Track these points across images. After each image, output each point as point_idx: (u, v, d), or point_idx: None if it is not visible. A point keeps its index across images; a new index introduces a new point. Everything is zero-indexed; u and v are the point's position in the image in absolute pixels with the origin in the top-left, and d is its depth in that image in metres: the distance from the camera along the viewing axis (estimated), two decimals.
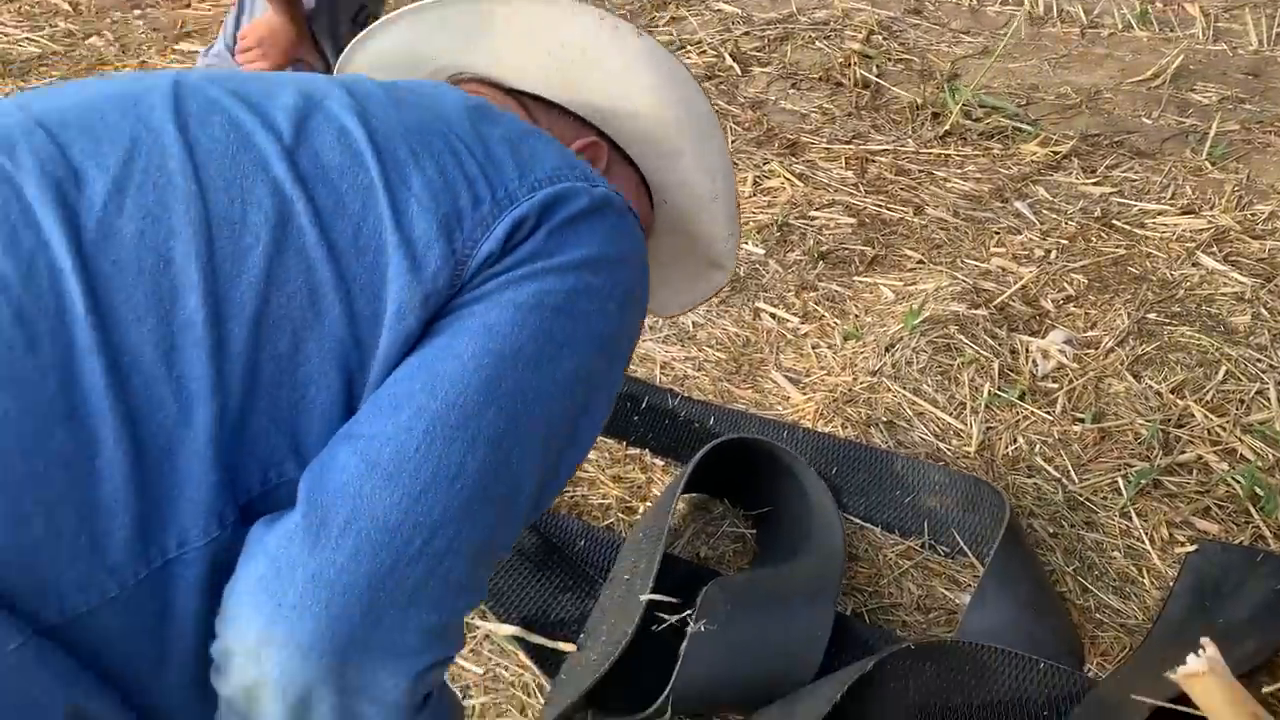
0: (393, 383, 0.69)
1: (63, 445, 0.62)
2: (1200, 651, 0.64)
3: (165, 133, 0.71)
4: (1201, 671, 0.62)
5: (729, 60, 3.67)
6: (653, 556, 1.63)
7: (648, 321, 2.50)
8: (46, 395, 0.62)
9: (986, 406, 2.20)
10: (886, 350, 2.36)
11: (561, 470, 0.78)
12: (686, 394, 2.28)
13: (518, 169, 0.75)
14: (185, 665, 0.68)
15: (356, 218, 0.70)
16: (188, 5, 4.34)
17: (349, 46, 1.07)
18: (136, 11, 4.29)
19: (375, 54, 1.04)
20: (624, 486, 2.03)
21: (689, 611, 1.57)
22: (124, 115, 0.72)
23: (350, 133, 0.74)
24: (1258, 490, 1.96)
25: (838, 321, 2.47)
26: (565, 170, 0.77)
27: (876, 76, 3.50)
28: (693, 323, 2.49)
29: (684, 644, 1.51)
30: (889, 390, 2.25)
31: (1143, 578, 1.86)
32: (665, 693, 1.51)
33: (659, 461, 2.10)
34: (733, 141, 3.19)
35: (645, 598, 1.56)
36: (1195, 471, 2.04)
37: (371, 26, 1.07)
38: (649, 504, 1.99)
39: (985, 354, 2.31)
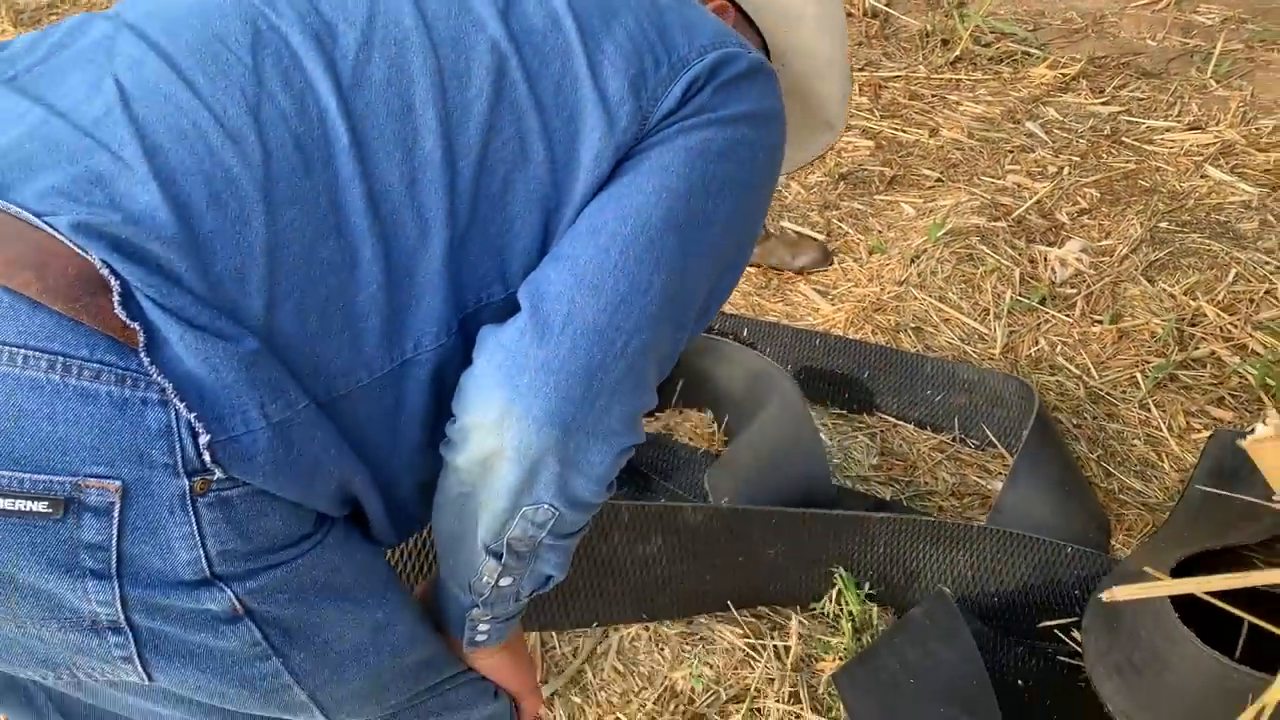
0: (589, 214, 0.79)
1: (331, 255, 0.73)
2: (1265, 420, 0.73)
3: None
4: (1269, 436, 0.72)
5: None
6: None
7: None
8: (320, 212, 0.72)
9: (1009, 312, 2.29)
10: (911, 262, 2.46)
11: (722, 289, 0.89)
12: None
13: (685, 35, 0.84)
14: (411, 449, 0.80)
15: (557, 75, 0.79)
16: None
17: None
18: None
19: None
20: None
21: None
22: None
23: (551, 1, 0.82)
24: (1269, 380, 2.06)
25: (862, 237, 2.56)
26: (724, 36, 0.86)
27: (885, 6, 3.55)
28: None
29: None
30: (915, 299, 2.34)
31: (1162, 462, 1.97)
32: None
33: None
34: None
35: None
36: (1209, 365, 2.15)
37: None
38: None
39: (1006, 263, 2.41)
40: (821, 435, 1.98)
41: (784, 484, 1.77)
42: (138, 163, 0.69)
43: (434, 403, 0.79)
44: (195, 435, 0.67)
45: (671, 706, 1.59)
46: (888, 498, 1.91)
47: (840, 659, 1.61)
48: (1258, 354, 2.15)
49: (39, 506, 0.65)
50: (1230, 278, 2.36)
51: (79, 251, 0.66)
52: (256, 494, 0.71)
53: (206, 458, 0.67)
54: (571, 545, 0.86)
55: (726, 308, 2.37)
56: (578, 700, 1.60)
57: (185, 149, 0.71)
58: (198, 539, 0.69)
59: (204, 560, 0.70)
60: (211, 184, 0.70)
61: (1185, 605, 1.40)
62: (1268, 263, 2.39)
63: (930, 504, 1.91)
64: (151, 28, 0.76)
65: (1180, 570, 1.51)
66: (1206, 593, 0.97)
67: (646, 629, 1.69)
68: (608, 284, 0.76)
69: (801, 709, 1.56)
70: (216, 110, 0.72)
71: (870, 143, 2.91)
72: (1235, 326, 2.24)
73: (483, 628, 0.90)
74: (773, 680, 1.59)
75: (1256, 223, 2.52)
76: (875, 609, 1.70)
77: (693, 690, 1.60)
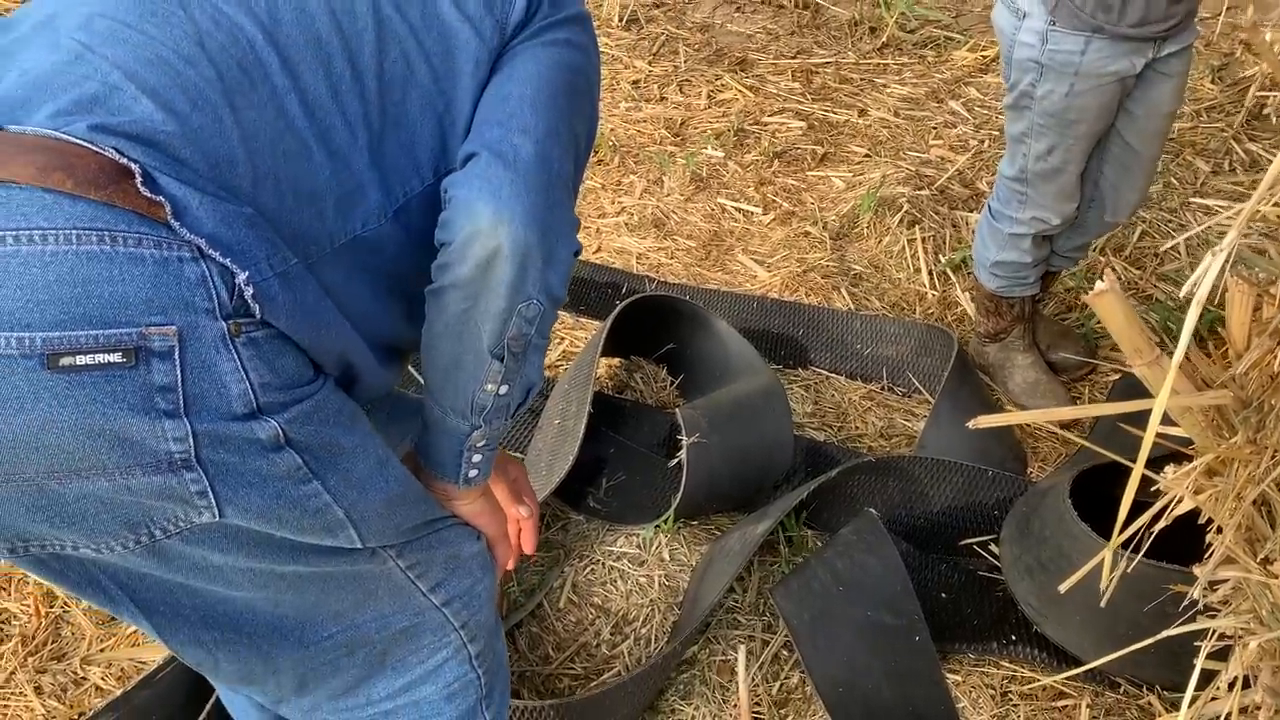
0: (493, 92, 0.99)
1: (289, 147, 0.89)
2: (1103, 277, 0.86)
3: None
4: (1105, 290, 0.84)
5: None
6: (583, 400, 1.85)
7: (623, 219, 2.71)
8: (271, 114, 0.88)
9: (935, 272, 2.44)
10: (841, 229, 2.60)
11: (590, 138, 1.11)
12: (662, 279, 2.49)
13: None
14: (370, 308, 0.97)
15: (420, 6, 0.99)
16: None
17: None
18: None
19: None
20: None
21: (694, 436, 1.79)
22: None
23: None
24: (1170, 325, 2.23)
25: (795, 208, 2.70)
26: None
27: None
28: (664, 217, 2.70)
29: (683, 454, 1.73)
30: (846, 262, 2.49)
31: (1075, 402, 2.12)
32: (677, 499, 1.74)
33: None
34: (685, 61, 3.40)
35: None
36: None
37: None
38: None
39: (931, 226, 2.56)
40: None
41: (749, 435, 1.86)
42: (124, 84, 0.83)
43: (376, 276, 0.97)
44: (228, 283, 0.81)
45: (625, 630, 1.71)
46: (822, 440, 2.04)
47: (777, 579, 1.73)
48: (1160, 302, 2.31)
49: (114, 358, 0.77)
50: (1137, 235, 2.54)
51: (98, 150, 0.79)
52: (275, 336, 0.85)
53: (249, 293, 0.81)
54: (545, 348, 1.04)
55: (670, 278, 2.50)
56: (536, 630, 1.71)
57: (156, 72, 0.85)
58: (243, 372, 0.83)
59: (251, 392, 0.83)
60: (187, 93, 0.85)
61: (1093, 516, 1.54)
62: (1170, 220, 2.57)
63: (860, 445, 2.05)
64: (85, 5, 0.89)
65: (1083, 483, 1.65)
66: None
67: (598, 563, 1.80)
68: (532, 126, 0.96)
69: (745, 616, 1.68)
70: (170, 45, 0.87)
71: (802, 123, 3.05)
72: (1142, 279, 2.41)
73: (476, 458, 1.06)
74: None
75: (1160, 185, 2.70)
76: (810, 534, 1.83)
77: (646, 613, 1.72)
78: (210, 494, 0.84)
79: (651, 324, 2.16)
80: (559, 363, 2.27)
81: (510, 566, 1.22)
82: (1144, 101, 1.83)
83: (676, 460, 1.82)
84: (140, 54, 0.85)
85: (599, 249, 2.62)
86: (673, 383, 2.16)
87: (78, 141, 0.79)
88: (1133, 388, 2.02)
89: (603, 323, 2.07)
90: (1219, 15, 3.38)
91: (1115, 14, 1.68)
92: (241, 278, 0.81)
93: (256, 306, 0.82)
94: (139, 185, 0.79)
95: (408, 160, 0.97)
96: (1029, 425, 2.06)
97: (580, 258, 2.55)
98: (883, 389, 2.19)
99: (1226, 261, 0.87)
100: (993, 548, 1.78)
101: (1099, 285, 0.87)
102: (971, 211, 2.63)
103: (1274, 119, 2.92)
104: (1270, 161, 2.69)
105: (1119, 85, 1.77)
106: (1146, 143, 1.88)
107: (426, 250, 0.97)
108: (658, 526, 1.82)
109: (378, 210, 0.95)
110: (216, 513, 0.86)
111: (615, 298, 2.41)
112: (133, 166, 0.79)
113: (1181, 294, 1.01)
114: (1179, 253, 2.46)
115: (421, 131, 0.97)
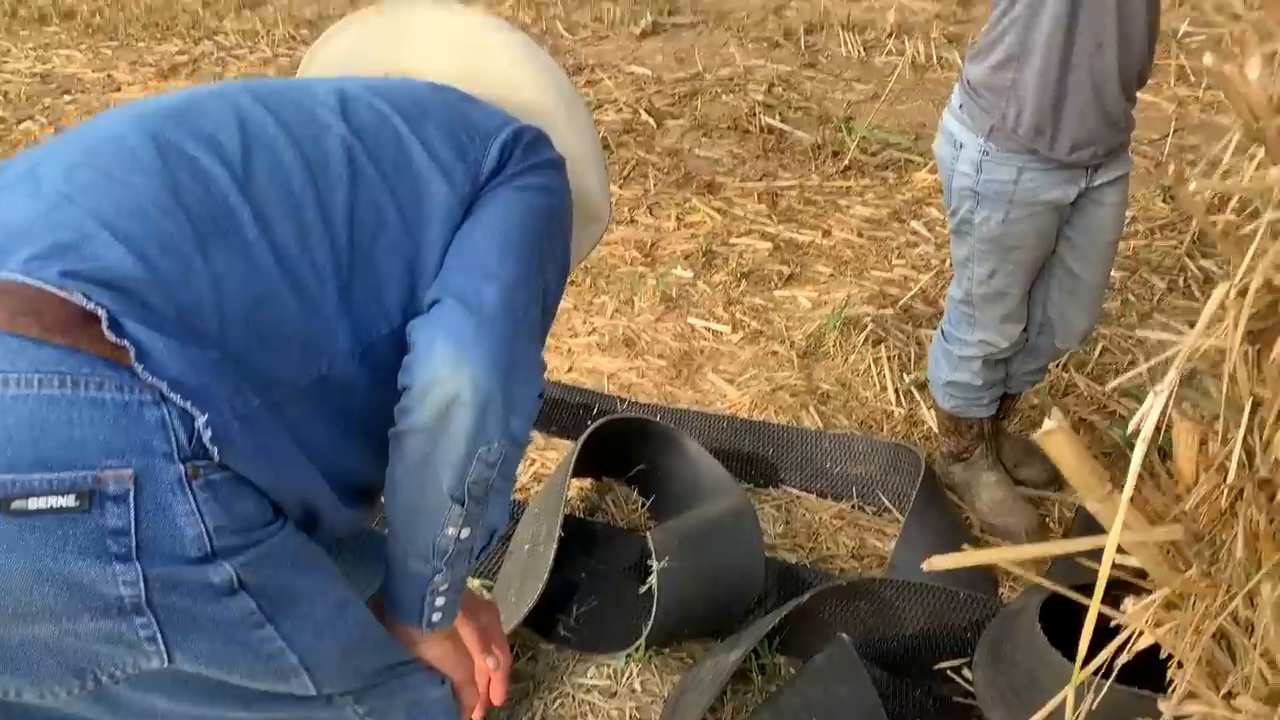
0: (462, 239, 1.02)
1: (259, 290, 0.92)
2: (1050, 416, 0.88)
3: (257, 110, 1.01)
4: (1053, 429, 0.86)
5: (644, 115, 3.98)
6: (553, 525, 1.85)
7: (594, 339, 2.74)
8: (243, 261, 0.91)
9: (900, 390, 2.48)
10: (808, 348, 2.64)
11: (559, 286, 1.14)
12: (633, 399, 2.52)
13: (484, 118, 1.11)
14: (333, 448, 0.97)
15: (394, 155, 1.02)
16: (118, 89, 4.53)
17: (307, 53, 1.36)
18: (67, 97, 4.46)
19: (327, 58, 1.33)
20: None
21: (665, 560, 1.78)
22: (221, 102, 1.01)
23: (375, 104, 1.07)
24: (1132, 442, 2.25)
25: (763, 327, 2.75)
26: (511, 118, 1.14)
27: (780, 123, 3.84)
28: (635, 336, 2.74)
29: (653, 579, 1.72)
30: (814, 381, 2.52)
31: (1047, 517, 2.14)
32: (648, 627, 1.72)
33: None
34: (655, 185, 3.49)
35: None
36: (1082, 431, 2.34)
37: (324, 34, 1.35)
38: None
39: (896, 345, 2.61)
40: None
41: (719, 558, 1.86)
42: (98, 231, 0.86)
43: (341, 416, 0.98)
44: (188, 426, 0.82)
45: None
46: (794, 561, 2.03)
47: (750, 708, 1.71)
48: (1124, 418, 2.35)
49: (68, 501, 0.78)
50: (1098, 351, 2.59)
51: (67, 296, 0.81)
52: (234, 479, 0.86)
53: (207, 436, 0.82)
54: (510, 490, 1.05)
55: (642, 398, 2.52)
56: None
57: (132, 222, 0.88)
58: (199, 515, 0.83)
59: (206, 536, 0.83)
60: (160, 242, 0.88)
61: (1063, 640, 1.54)
62: (1129, 337, 2.63)
63: (832, 566, 2.04)
64: (69, 154, 0.94)
65: (1054, 603, 1.65)
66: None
67: (568, 696, 1.77)
68: (498, 273, 0.99)
69: None
70: (147, 195, 0.90)
71: (769, 244, 3.13)
72: (1104, 395, 2.46)
73: (439, 601, 1.05)
74: None
75: (1119, 302, 2.77)
76: (783, 660, 1.81)
77: None
78: (160, 639, 0.84)
79: (623, 445, 2.16)
80: (530, 484, 2.27)
81: (477, 716, 1.20)
82: (1083, 229, 1.89)
83: (647, 586, 1.81)
84: (117, 204, 0.89)
85: (570, 369, 2.64)
86: (644, 504, 2.16)
87: (47, 287, 0.81)
88: (1088, 519, 2.04)
89: (574, 443, 2.08)
90: (1167, 136, 3.53)
91: (1047, 141, 1.75)
92: (201, 421, 0.82)
93: (215, 449, 0.83)
94: (105, 330, 0.80)
95: (375, 305, 0.99)
96: (1000, 544, 2.07)
97: (552, 378, 2.59)
98: (853, 508, 2.19)
99: (1168, 400, 0.89)
100: (966, 672, 1.76)
101: (1047, 424, 0.89)
102: (936, 329, 2.68)
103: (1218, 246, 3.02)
104: (1224, 278, 2.78)
105: (1055, 213, 1.83)
106: (1090, 270, 1.94)
107: (394, 390, 0.98)
108: (629, 656, 1.79)
109: (345, 352, 0.97)
110: (166, 658, 0.85)
111: (587, 418, 2.42)
112: (99, 311, 0.81)
113: (1128, 430, 1.04)
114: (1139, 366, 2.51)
115: (390, 277, 1.00)
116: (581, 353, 2.69)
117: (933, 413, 2.40)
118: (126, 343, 0.81)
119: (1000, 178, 1.80)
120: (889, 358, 2.57)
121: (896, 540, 2.02)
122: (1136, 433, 0.90)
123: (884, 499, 2.19)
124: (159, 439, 0.81)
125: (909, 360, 2.57)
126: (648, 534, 1.83)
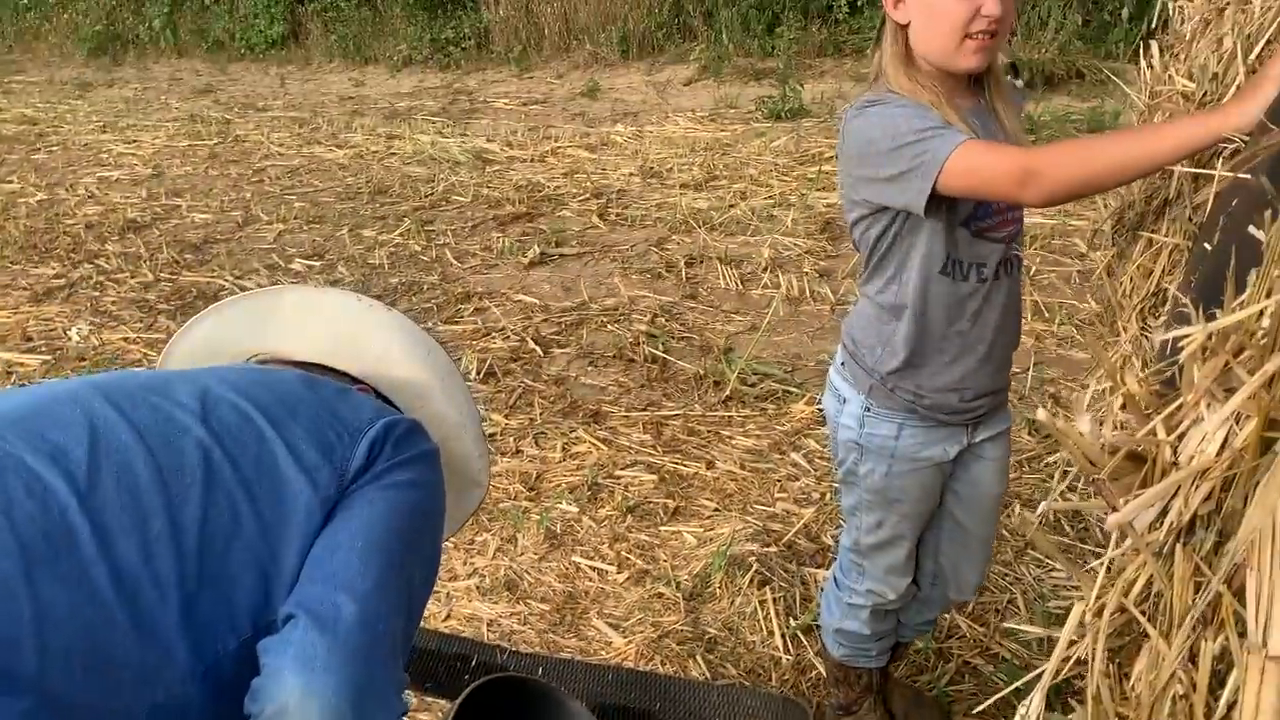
0: (323, 543, 0.98)
1: (90, 618, 0.86)
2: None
3: (109, 415, 0.98)
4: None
5: (531, 344, 4.04)
6: None
7: (474, 581, 2.65)
8: (74, 587, 0.87)
9: (787, 635, 2.44)
10: (694, 589, 2.60)
11: (427, 587, 1.10)
12: (514, 648, 2.41)
13: (354, 413, 1.09)
14: None
15: (255, 455, 0.99)
16: None
17: (169, 342, 1.33)
18: None
19: (190, 345, 1.32)
20: None
21: None
22: (73, 407, 0.98)
23: (238, 404, 1.05)
24: (1019, 686, 2.25)
25: (649, 567, 2.71)
26: (382, 409, 1.13)
27: (663, 352, 3.94)
28: (518, 578, 2.65)
29: None
30: (700, 625, 2.47)
31: None
32: None
33: None
34: (541, 413, 3.50)
35: None
36: (968, 676, 2.33)
37: (186, 324, 1.33)
38: None
39: (781, 586, 2.59)
40: None
41: None
42: None
43: None
44: None
45: None
46: None
47: None
48: (1006, 660, 2.35)
49: None
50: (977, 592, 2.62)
51: None
52: None
53: None
54: None
55: (523, 646, 2.42)
56: None
57: None
58: None
59: None
60: None
61: None
62: (1007, 574, 2.67)
63: None
64: None
65: None
66: None
67: None
68: (357, 584, 0.95)
69: None
70: None
71: (654, 476, 3.13)
72: (987, 636, 2.46)
73: None
74: None
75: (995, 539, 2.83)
76: None
77: None
78: None
79: (502, 705, 2.05)
80: None
81: None
82: (967, 483, 1.94)
83: None
84: None
85: (448, 616, 2.54)
86: None
87: None
88: None
89: (451, 703, 1.95)
90: (1028, 369, 3.73)
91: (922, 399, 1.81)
92: None
93: None
94: None
95: (224, 616, 0.95)
96: None
97: (429, 625, 2.48)
98: None
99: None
100: None
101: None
102: (819, 568, 2.68)
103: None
104: (1095, 515, 2.88)
105: (937, 469, 1.88)
106: (977, 522, 1.98)
107: (237, 712, 0.92)
108: None
109: (184, 674, 0.91)
110: None
111: (465, 671, 2.30)
112: None
113: None
114: (1018, 608, 2.54)
115: (243, 584, 0.96)
116: (461, 598, 2.60)
117: (820, 660, 2.36)
118: None
119: (882, 433, 1.84)
120: (774, 599, 2.55)
121: None
122: (1029, 665, 0.89)
123: None
124: None
125: (794, 602, 2.55)
126: None
